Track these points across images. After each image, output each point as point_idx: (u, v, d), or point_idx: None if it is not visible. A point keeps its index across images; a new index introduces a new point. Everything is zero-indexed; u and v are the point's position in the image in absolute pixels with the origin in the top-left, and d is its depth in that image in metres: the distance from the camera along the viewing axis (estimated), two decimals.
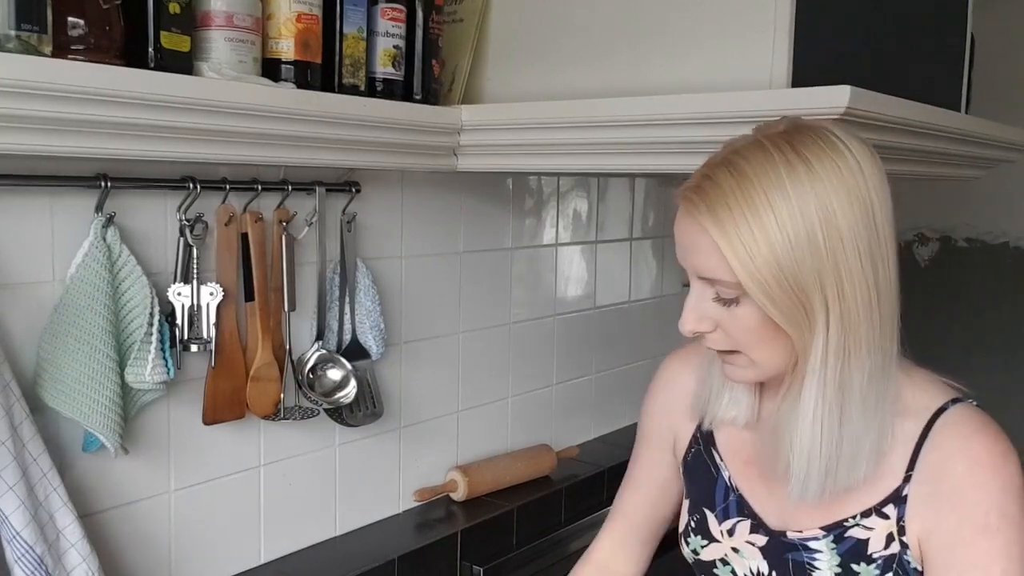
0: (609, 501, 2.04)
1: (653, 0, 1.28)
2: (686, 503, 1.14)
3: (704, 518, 1.10)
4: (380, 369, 1.60)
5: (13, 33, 0.93)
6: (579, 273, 2.11)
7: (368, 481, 1.63)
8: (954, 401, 0.97)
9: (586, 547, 1.27)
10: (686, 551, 1.13)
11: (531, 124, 1.35)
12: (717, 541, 1.09)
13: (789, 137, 0.90)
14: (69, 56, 1.00)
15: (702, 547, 1.10)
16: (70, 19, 1.00)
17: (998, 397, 1.04)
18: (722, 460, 1.10)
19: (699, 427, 1.13)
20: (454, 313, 1.78)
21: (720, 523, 1.08)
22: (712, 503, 1.09)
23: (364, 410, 1.55)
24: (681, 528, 1.14)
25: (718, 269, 0.89)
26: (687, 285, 0.96)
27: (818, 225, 0.86)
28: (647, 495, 1.21)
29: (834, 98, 1.04)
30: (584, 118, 1.28)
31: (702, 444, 1.12)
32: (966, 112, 1.70)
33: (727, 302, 0.91)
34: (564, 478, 1.92)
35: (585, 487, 1.94)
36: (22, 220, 1.15)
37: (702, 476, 1.11)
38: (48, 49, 0.97)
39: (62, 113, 0.97)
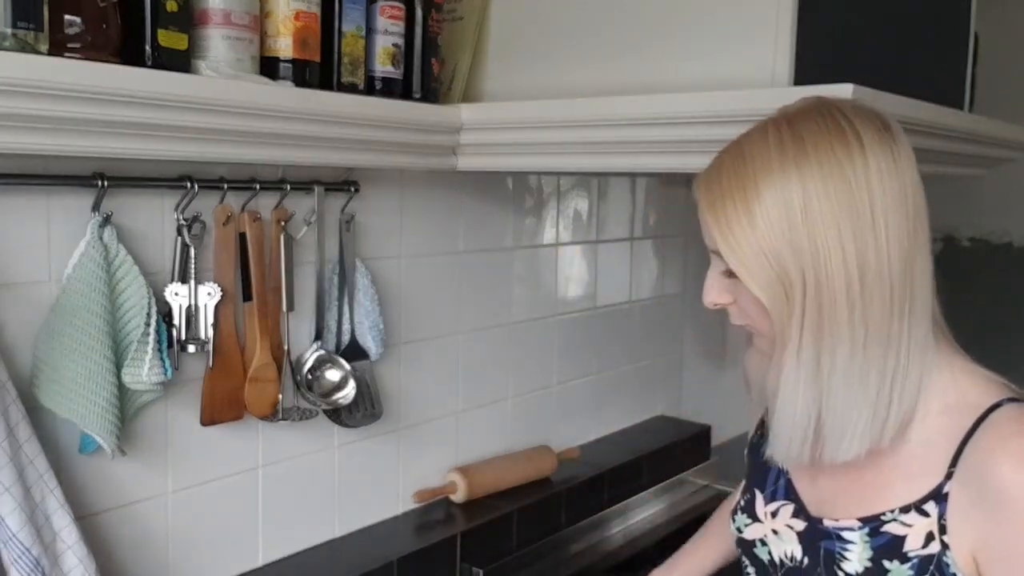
0: (610, 502, 2.04)
1: None
2: (743, 483, 1.19)
3: (753, 498, 1.14)
4: (379, 370, 1.59)
5: (9, 31, 0.93)
6: (579, 273, 2.10)
7: (367, 482, 1.63)
8: (1010, 400, 0.93)
9: (587, 548, 1.26)
10: (732, 528, 1.17)
11: (531, 123, 1.34)
12: (760, 521, 1.11)
13: (793, 118, 0.93)
14: (66, 54, 0.99)
15: (746, 526, 1.13)
16: (66, 17, 1.00)
17: None
18: None
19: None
20: (454, 313, 1.77)
21: (767, 504, 1.11)
22: (763, 484, 1.13)
23: (363, 411, 1.54)
24: (732, 506, 1.19)
25: (716, 246, 0.95)
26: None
27: (799, 210, 0.88)
28: None
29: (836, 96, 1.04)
30: (584, 117, 1.28)
31: (764, 428, 1.14)
32: (969, 111, 1.69)
33: (731, 275, 0.96)
34: (564, 479, 1.91)
35: (586, 488, 1.93)
36: (18, 219, 1.14)
37: (760, 458, 1.12)
38: (44, 47, 0.96)
39: (58, 112, 0.97)
